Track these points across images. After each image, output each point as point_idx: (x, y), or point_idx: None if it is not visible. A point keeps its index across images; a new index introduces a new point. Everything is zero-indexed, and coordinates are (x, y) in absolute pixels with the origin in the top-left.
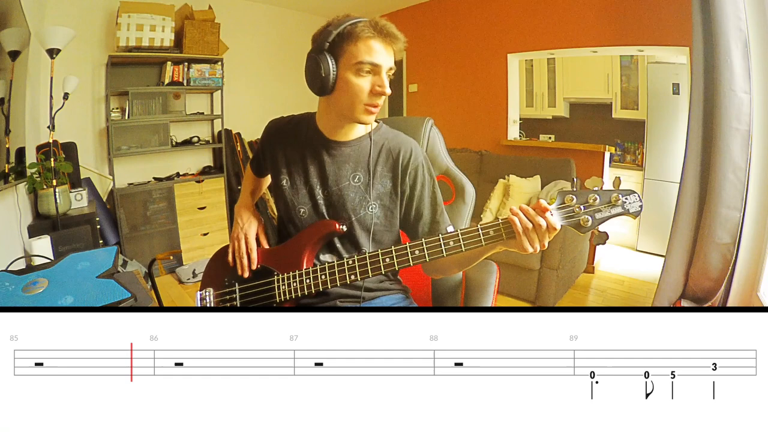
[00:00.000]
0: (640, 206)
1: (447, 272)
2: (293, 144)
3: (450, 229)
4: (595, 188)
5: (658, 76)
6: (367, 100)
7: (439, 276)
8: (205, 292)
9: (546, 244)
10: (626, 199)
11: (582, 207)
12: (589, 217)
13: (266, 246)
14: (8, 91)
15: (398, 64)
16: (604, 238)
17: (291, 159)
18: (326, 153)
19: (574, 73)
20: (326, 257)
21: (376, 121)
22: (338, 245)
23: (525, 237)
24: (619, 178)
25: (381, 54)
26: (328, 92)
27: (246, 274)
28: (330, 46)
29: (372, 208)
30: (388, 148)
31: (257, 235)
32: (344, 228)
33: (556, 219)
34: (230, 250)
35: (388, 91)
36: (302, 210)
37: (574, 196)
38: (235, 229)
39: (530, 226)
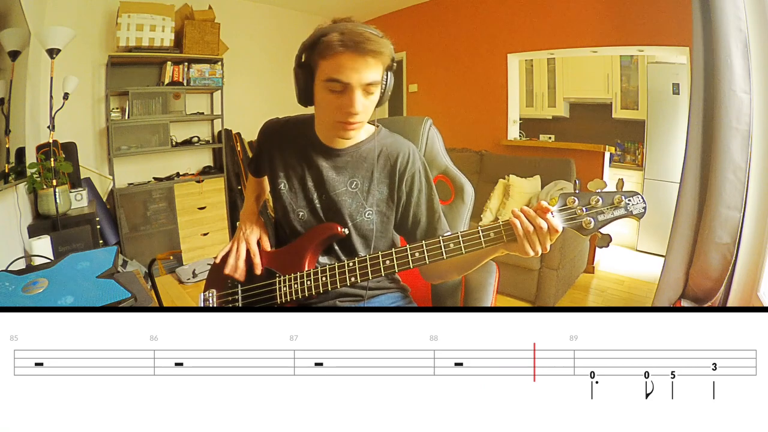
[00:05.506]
0: (644, 208)
1: (447, 277)
2: (290, 147)
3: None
4: (598, 190)
5: (658, 76)
6: (340, 118)
7: (439, 281)
8: (208, 293)
9: (548, 247)
10: (629, 200)
11: (584, 209)
12: (592, 219)
13: (268, 248)
14: (8, 91)
15: (398, 64)
16: (607, 240)
17: (288, 163)
18: (324, 159)
19: (574, 73)
20: (324, 260)
21: (374, 124)
22: (336, 248)
23: (526, 240)
24: (622, 179)
25: (351, 70)
26: (310, 104)
27: (243, 278)
28: (306, 59)
29: (369, 215)
30: (386, 154)
31: (260, 241)
32: (346, 231)
33: (557, 221)
34: (221, 255)
35: (358, 110)
36: (301, 213)
37: (576, 198)
38: (238, 235)
39: (531, 228)
